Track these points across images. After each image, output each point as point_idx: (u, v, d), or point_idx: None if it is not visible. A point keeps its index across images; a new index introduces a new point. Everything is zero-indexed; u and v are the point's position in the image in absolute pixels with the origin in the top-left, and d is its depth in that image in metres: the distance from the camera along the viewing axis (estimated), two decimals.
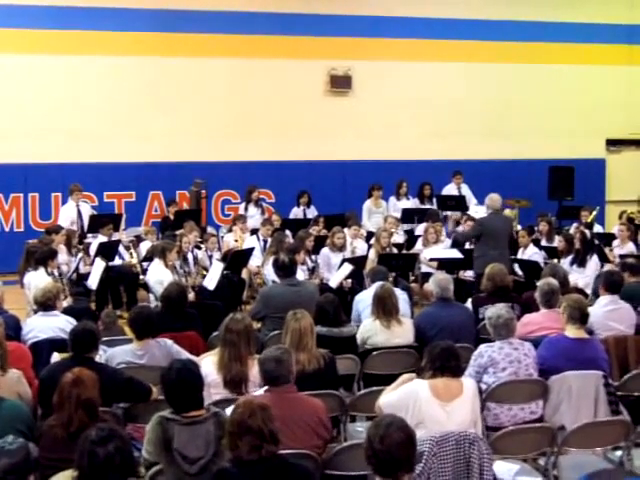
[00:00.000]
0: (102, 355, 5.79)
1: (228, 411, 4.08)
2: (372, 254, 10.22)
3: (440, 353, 4.78)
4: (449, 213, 13.69)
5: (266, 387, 4.65)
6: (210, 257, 10.45)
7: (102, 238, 10.67)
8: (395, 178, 13.73)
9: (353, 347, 6.38)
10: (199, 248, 10.43)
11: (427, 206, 13.39)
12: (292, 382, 4.66)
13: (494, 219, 9.89)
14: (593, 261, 9.67)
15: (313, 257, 10.23)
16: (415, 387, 4.71)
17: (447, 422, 4.50)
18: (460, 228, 12.17)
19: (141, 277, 9.95)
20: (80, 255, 10.26)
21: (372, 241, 10.77)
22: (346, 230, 10.81)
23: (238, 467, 3.68)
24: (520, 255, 10.47)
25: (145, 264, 10.14)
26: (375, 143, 14.95)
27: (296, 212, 13.36)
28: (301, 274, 8.91)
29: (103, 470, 3.38)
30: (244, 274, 10.43)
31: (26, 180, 13.46)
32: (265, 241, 10.80)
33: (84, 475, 3.42)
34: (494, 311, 5.62)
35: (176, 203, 13.25)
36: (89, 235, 11.30)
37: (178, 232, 10.54)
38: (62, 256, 9.75)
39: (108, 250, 10.26)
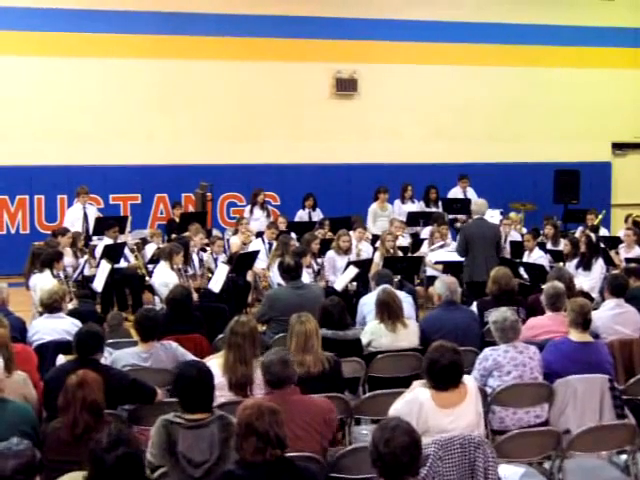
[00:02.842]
0: (107, 357, 5.79)
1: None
2: (377, 257, 10.22)
3: (439, 373, 4.59)
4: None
5: (268, 390, 4.64)
6: (216, 260, 10.44)
7: (108, 240, 10.68)
8: (400, 181, 13.72)
9: (358, 350, 6.36)
10: (205, 250, 10.43)
11: (433, 209, 13.37)
12: (295, 383, 4.66)
13: (475, 225, 9.71)
14: (598, 264, 9.64)
15: (318, 260, 10.21)
16: (418, 396, 4.61)
17: (453, 428, 4.47)
18: None
19: (147, 279, 9.95)
20: (86, 257, 10.28)
21: (377, 244, 10.76)
22: (352, 233, 10.80)
23: (243, 469, 3.67)
24: (526, 258, 10.46)
25: (150, 266, 10.15)
26: (380, 146, 14.96)
27: (301, 215, 13.35)
28: (306, 277, 8.88)
29: (113, 475, 3.37)
30: (249, 277, 10.43)
31: (31, 182, 13.49)
32: (270, 244, 10.79)
33: (94, 478, 3.42)
34: (499, 315, 5.61)
35: (181, 205, 13.28)
36: (95, 237, 11.32)
37: (185, 234, 10.58)
38: (68, 258, 9.79)
39: (114, 252, 10.27)
